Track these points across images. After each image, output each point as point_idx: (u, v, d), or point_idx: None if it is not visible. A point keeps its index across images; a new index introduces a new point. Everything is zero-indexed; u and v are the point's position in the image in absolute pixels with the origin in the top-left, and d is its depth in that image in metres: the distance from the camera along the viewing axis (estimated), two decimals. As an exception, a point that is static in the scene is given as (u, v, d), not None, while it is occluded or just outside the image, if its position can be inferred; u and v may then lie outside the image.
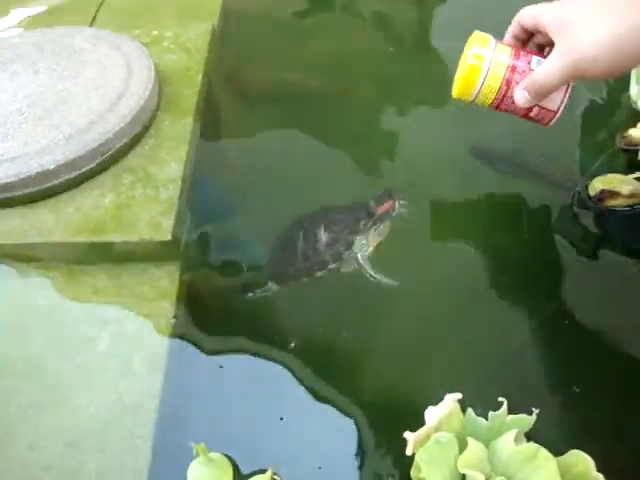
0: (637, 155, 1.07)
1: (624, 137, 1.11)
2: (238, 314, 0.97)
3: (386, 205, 0.96)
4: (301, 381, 0.86)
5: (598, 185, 1.02)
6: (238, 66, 1.38)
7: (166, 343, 0.93)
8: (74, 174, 1.07)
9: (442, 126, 1.20)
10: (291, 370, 0.87)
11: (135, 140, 1.14)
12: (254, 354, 0.91)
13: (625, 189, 1.00)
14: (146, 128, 1.16)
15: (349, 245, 0.96)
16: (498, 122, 1.11)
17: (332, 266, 0.95)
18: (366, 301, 0.95)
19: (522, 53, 0.73)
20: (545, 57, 0.72)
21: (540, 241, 1.01)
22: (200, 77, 1.28)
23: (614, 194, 1.01)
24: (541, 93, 0.71)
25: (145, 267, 1.02)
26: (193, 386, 0.90)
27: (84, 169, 1.08)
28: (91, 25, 1.47)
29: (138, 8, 1.53)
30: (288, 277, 0.99)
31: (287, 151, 1.20)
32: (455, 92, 0.77)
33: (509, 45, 0.75)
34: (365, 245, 0.96)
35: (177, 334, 0.94)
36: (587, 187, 1.04)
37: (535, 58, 0.73)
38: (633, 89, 1.18)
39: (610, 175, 1.04)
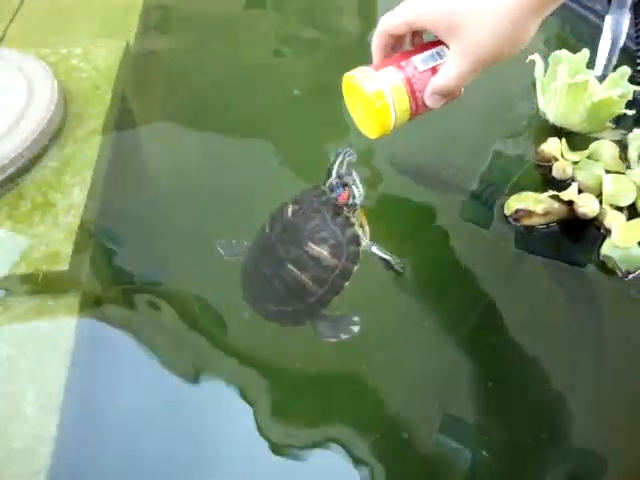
0: (550, 171, 1.06)
1: (537, 153, 1.10)
2: (141, 348, 0.92)
3: (344, 194, 0.86)
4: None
5: (513, 204, 1.00)
6: (153, 83, 1.33)
7: (62, 381, 0.87)
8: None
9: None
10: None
11: (34, 165, 1.08)
12: (153, 390, 0.86)
13: (540, 208, 0.99)
14: (46, 151, 1.10)
15: (356, 239, 0.86)
16: (410, 137, 1.10)
17: (355, 268, 0.85)
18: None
19: (401, 64, 0.69)
20: (429, 46, 0.69)
21: (459, 260, 0.99)
22: (109, 96, 1.22)
23: (529, 213, 0.99)
24: (453, 93, 0.69)
25: (42, 299, 0.96)
26: (92, 427, 0.84)
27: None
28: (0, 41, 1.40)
29: (52, 25, 1.46)
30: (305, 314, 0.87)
31: (205, 169, 1.16)
32: (375, 134, 0.73)
33: (386, 63, 0.71)
34: (364, 233, 0.88)
35: (75, 371, 0.88)
36: (502, 206, 1.02)
37: (415, 59, 0.69)
38: (540, 101, 1.17)
39: (524, 193, 1.02)
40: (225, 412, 0.85)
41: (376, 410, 0.83)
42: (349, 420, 0.82)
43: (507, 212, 1.01)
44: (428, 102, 0.70)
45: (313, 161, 1.12)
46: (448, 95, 0.69)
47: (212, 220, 1.05)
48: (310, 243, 0.83)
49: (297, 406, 0.86)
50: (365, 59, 0.72)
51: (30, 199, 1.04)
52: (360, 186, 0.87)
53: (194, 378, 0.87)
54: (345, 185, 0.86)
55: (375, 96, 0.68)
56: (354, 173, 0.87)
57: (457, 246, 1.01)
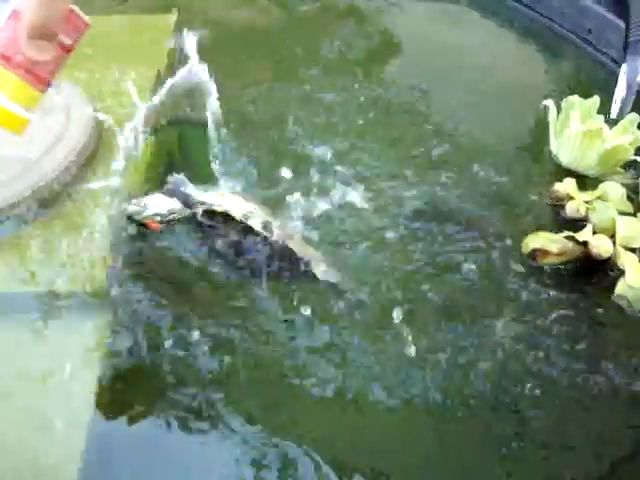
0: (563, 210, 1.11)
1: (550, 192, 1.14)
2: (168, 371, 0.94)
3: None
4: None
5: (530, 243, 1.04)
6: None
7: (91, 399, 0.90)
8: (6, 220, 1.05)
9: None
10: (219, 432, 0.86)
11: (70, 186, 1.12)
12: (182, 416, 0.89)
13: (555, 247, 1.03)
14: (81, 174, 1.15)
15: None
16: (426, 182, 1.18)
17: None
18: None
19: None
20: None
21: (475, 296, 1.02)
22: (140, 124, 1.26)
23: (545, 252, 1.03)
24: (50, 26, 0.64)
25: (74, 320, 0.99)
26: (118, 445, 0.87)
27: (17, 214, 1.06)
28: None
29: (83, 52, 1.51)
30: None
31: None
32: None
33: None
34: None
35: (103, 390, 0.91)
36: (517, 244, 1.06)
37: None
38: (553, 144, 1.22)
39: (541, 233, 1.06)
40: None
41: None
42: None
43: (524, 250, 1.05)
44: (32, 53, 0.63)
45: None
46: (46, 29, 0.63)
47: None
48: None
49: None
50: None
51: (66, 219, 1.08)
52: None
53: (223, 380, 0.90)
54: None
55: None
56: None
57: (472, 282, 1.04)
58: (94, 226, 1.07)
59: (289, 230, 1.05)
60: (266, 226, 1.03)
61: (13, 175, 1.08)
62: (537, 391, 0.88)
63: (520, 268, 1.04)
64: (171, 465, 0.85)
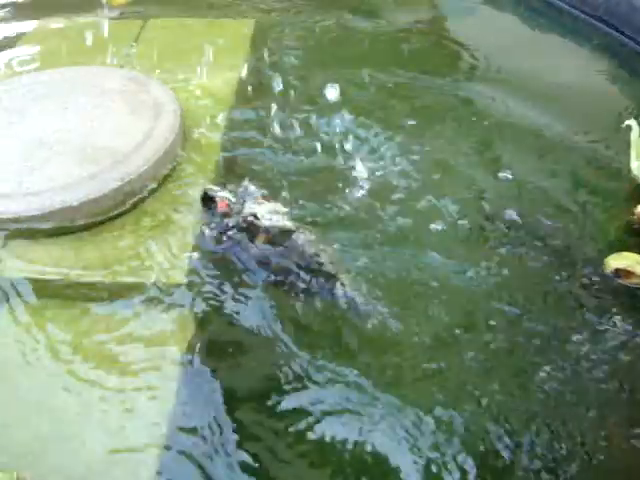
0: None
1: (634, 213, 1.13)
2: (250, 359, 0.97)
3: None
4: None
5: (612, 263, 1.04)
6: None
7: (174, 385, 0.93)
8: (96, 212, 1.08)
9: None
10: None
11: (158, 182, 1.15)
12: (263, 401, 0.91)
13: (639, 269, 1.02)
14: (170, 171, 1.17)
15: None
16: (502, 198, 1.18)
17: None
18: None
19: None
20: None
21: (553, 311, 1.02)
22: (223, 125, 1.30)
23: (628, 273, 1.02)
24: None
25: (158, 309, 1.02)
26: (199, 428, 0.89)
27: (106, 208, 1.09)
28: (122, 67, 1.50)
29: (166, 54, 1.56)
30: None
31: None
32: None
33: None
34: None
35: (186, 376, 0.93)
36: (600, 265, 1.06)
37: None
38: (634, 164, 1.21)
39: (624, 253, 1.05)
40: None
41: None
42: None
43: (607, 270, 1.04)
44: None
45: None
46: None
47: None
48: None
49: None
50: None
51: (152, 215, 1.11)
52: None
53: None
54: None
55: None
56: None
57: (553, 299, 1.04)
58: (179, 221, 1.10)
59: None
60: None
61: (105, 168, 1.10)
62: None
63: (599, 286, 1.03)
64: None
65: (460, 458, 0.84)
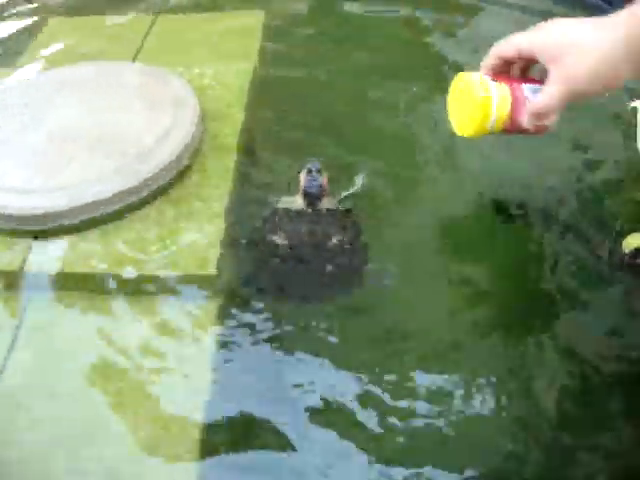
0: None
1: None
2: (282, 350, 0.98)
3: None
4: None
5: (632, 242, 1.05)
6: (280, 104, 1.41)
7: (208, 377, 0.95)
8: (121, 205, 1.10)
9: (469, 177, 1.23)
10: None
11: (180, 175, 1.17)
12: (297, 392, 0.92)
13: (658, 247, 1.03)
14: (191, 163, 1.19)
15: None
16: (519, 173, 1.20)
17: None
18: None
19: (515, 85, 0.83)
20: (534, 82, 0.82)
21: (567, 292, 1.03)
22: (242, 115, 1.31)
23: (649, 252, 1.04)
24: (544, 117, 0.81)
25: (187, 301, 1.04)
26: (236, 415, 0.91)
27: (131, 201, 1.11)
28: (134, 60, 1.51)
29: (179, 47, 1.57)
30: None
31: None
32: (471, 129, 0.86)
33: (503, 79, 0.84)
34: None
35: (218, 371, 0.95)
36: (617, 244, 1.07)
37: (526, 86, 0.82)
38: (640, 145, 1.22)
39: (642, 233, 1.06)
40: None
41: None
42: None
43: (625, 250, 1.05)
44: (523, 121, 0.82)
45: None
46: (541, 117, 0.80)
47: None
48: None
49: None
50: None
51: (176, 207, 1.13)
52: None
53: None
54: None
55: (481, 88, 0.81)
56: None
57: (567, 279, 1.05)
58: (204, 211, 1.12)
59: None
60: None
61: (128, 163, 1.12)
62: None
63: (615, 266, 1.05)
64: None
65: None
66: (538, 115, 0.80)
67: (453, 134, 0.93)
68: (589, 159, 1.27)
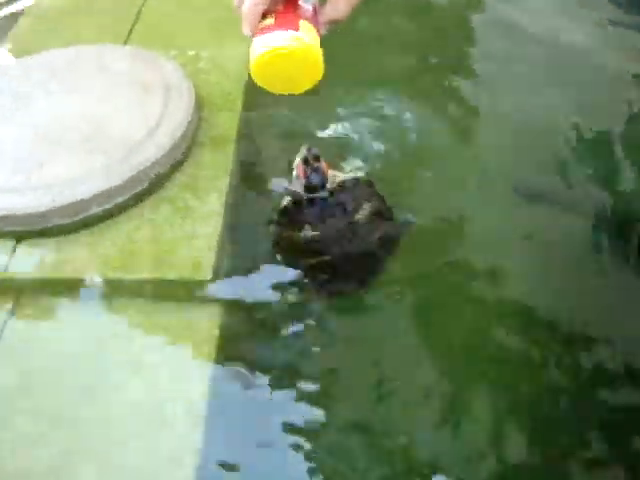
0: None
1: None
2: (282, 356, 0.92)
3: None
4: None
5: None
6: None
7: (206, 390, 0.88)
8: (110, 205, 1.02)
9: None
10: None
11: (174, 169, 1.08)
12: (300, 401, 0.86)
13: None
14: (185, 156, 1.10)
15: None
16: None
17: None
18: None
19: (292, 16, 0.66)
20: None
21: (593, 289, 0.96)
22: (240, 103, 1.22)
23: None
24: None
25: (183, 306, 0.97)
26: (238, 438, 0.84)
27: (120, 200, 1.03)
28: (125, 43, 1.41)
29: (172, 28, 1.46)
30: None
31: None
32: (316, 74, 0.68)
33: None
34: None
35: (218, 380, 0.88)
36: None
37: (301, 2, 0.66)
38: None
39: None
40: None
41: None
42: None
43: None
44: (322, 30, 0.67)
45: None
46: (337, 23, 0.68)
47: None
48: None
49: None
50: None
51: (170, 204, 1.05)
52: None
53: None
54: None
55: (296, 40, 0.64)
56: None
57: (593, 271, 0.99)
58: (199, 208, 1.04)
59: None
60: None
61: (117, 158, 1.04)
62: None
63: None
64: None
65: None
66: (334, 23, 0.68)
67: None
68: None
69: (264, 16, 0.65)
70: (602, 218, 1.07)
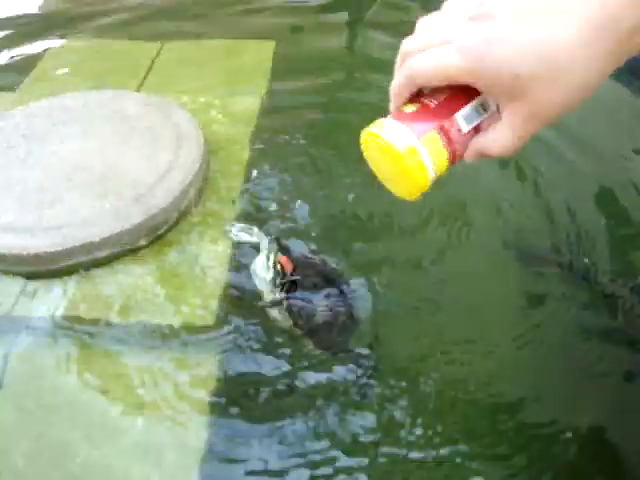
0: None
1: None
2: (282, 404, 0.93)
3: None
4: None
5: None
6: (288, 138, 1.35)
7: (203, 435, 0.89)
8: (118, 248, 1.05)
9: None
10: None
11: (181, 216, 1.11)
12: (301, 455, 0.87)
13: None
14: (191, 204, 1.14)
15: None
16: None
17: None
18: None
19: (445, 122, 0.56)
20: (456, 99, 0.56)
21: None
22: (247, 153, 1.26)
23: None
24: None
25: (185, 351, 0.98)
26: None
27: (128, 243, 1.05)
28: (139, 88, 1.46)
29: (186, 74, 1.52)
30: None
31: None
32: (411, 196, 0.59)
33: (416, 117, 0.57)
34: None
35: (215, 426, 0.89)
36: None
37: (458, 116, 0.56)
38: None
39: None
40: None
41: None
42: None
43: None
44: (468, 159, 0.57)
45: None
46: (487, 156, 0.56)
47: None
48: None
49: None
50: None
51: (177, 250, 1.07)
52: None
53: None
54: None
55: (409, 153, 0.55)
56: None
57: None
58: (205, 255, 1.06)
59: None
60: None
61: (126, 200, 1.07)
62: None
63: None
64: None
65: None
66: (487, 153, 0.56)
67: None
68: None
69: (418, 94, 0.56)
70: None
